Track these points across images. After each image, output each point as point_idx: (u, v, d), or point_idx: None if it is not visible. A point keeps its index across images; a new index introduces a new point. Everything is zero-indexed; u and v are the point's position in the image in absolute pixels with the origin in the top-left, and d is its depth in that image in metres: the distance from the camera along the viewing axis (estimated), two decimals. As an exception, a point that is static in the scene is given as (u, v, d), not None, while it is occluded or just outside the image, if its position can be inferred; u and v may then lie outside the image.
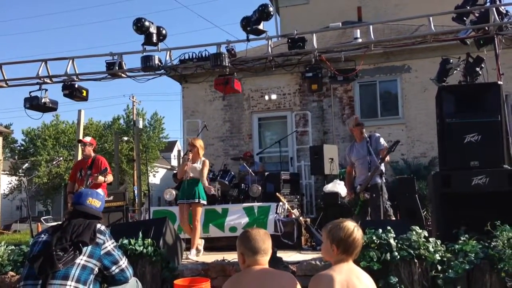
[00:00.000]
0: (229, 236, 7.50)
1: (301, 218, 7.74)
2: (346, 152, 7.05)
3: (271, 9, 7.00)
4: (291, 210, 7.85)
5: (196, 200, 6.75)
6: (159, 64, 7.61)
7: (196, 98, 12.90)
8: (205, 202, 6.91)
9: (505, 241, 4.40)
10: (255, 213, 7.99)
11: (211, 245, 7.63)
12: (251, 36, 7.28)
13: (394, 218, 6.72)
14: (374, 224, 5.05)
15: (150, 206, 8.65)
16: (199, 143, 6.95)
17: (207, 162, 6.99)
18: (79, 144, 7.83)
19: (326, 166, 9.09)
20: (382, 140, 6.72)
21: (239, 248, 2.81)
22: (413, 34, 9.75)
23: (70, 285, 3.01)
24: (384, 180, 6.60)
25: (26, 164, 37.04)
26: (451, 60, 6.79)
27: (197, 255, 6.60)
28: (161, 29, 7.56)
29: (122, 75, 8.10)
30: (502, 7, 6.48)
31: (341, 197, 8.40)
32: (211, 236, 7.90)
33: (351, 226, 2.74)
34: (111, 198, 9.00)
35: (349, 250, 2.69)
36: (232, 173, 9.69)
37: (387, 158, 6.57)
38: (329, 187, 8.57)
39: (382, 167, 6.60)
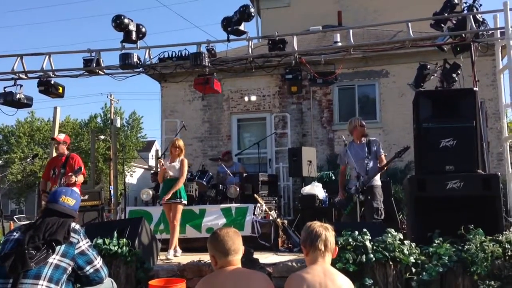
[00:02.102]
0: (206, 237, 7.31)
1: (278, 219, 7.75)
2: (342, 151, 6.90)
3: (252, 10, 7.00)
4: (269, 212, 7.86)
5: (178, 200, 6.76)
6: (138, 62, 7.53)
7: (175, 98, 12.83)
8: (185, 202, 6.90)
9: (478, 245, 4.48)
10: (233, 214, 7.97)
11: (188, 245, 7.57)
12: (231, 37, 7.26)
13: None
14: (351, 226, 5.08)
15: (126, 206, 8.56)
16: (182, 144, 7.00)
17: (185, 161, 6.98)
18: (53, 142, 7.66)
19: (304, 168, 9.12)
20: (381, 147, 6.68)
21: (210, 250, 2.82)
22: (391, 39, 9.86)
23: (42, 285, 2.94)
24: (374, 184, 6.54)
25: (-1, 162, 36.23)
26: (429, 66, 6.89)
27: (175, 255, 6.55)
28: (141, 26, 7.49)
29: (100, 72, 7.98)
30: (479, 15, 6.60)
31: (318, 199, 8.44)
32: (187, 236, 7.83)
33: (314, 222, 2.79)
34: (86, 197, 8.87)
35: (313, 244, 2.70)
36: (210, 173, 9.64)
37: (385, 165, 6.55)
38: (307, 189, 8.60)
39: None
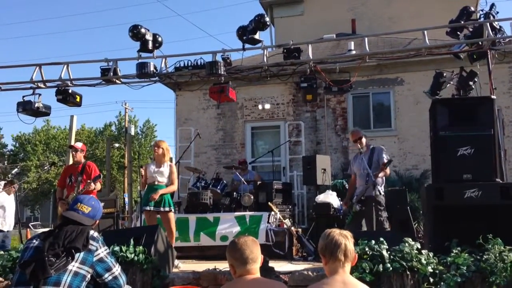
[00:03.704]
0: (221, 245, 7.46)
1: (292, 228, 7.73)
2: (351, 160, 7.16)
3: (267, 19, 7.04)
4: (283, 220, 7.85)
5: (167, 209, 6.55)
6: (154, 71, 7.60)
7: (190, 106, 12.89)
8: (173, 210, 6.69)
9: (497, 255, 4.42)
10: (247, 222, 7.98)
11: (202, 253, 7.61)
12: (246, 45, 7.30)
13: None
14: (367, 235, 5.05)
15: (141, 213, 8.58)
16: (165, 145, 6.80)
17: (174, 167, 6.78)
18: (70, 150, 7.74)
19: (318, 177, 9.10)
20: (384, 154, 6.74)
21: (229, 259, 2.81)
22: (406, 47, 9.83)
23: (62, 292, 2.97)
24: (380, 193, 6.58)
25: (16, 169, 36.67)
26: (445, 74, 6.85)
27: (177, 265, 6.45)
28: (157, 36, 7.56)
29: (117, 81, 8.06)
30: (496, 23, 6.55)
31: (333, 208, 8.41)
32: (202, 244, 7.87)
33: (333, 230, 2.74)
34: (102, 204, 8.89)
35: (333, 254, 2.64)
36: (224, 181, 9.68)
37: (383, 173, 6.58)
38: (321, 198, 8.57)
39: (380, 179, 6.64)
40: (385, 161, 6.62)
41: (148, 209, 6.57)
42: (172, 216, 6.71)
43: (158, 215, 6.71)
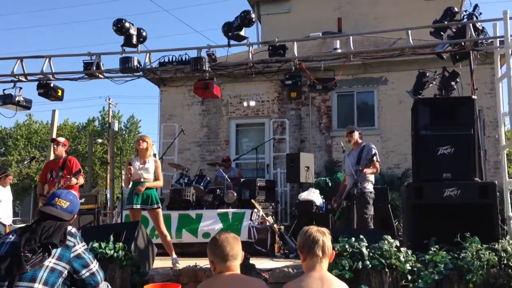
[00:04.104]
0: (202, 242, 7.43)
1: (275, 225, 7.75)
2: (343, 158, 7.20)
3: (253, 15, 7.00)
4: (266, 217, 7.85)
5: (155, 206, 6.38)
6: (138, 66, 7.51)
7: (174, 102, 12.83)
8: (160, 206, 6.54)
9: (474, 253, 4.49)
10: (230, 219, 7.97)
11: (184, 250, 7.55)
12: (232, 42, 7.27)
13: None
14: (348, 232, 5.08)
15: (122, 209, 8.52)
16: (149, 140, 6.62)
17: (158, 161, 6.66)
18: (52, 143, 7.63)
19: (302, 174, 9.13)
20: (372, 151, 6.71)
21: (209, 255, 2.81)
22: (391, 46, 9.89)
23: (37, 288, 2.92)
24: (364, 190, 6.57)
25: (-4, 164, 36.17)
26: (428, 74, 6.90)
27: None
28: (142, 30, 7.48)
29: (100, 75, 7.96)
30: (479, 24, 6.63)
31: (315, 205, 8.44)
32: (183, 241, 7.83)
33: (310, 227, 2.78)
34: (83, 200, 8.85)
35: (311, 250, 2.67)
36: (208, 178, 9.65)
37: (370, 170, 6.59)
38: (304, 195, 8.60)
39: (369, 177, 6.66)
40: (374, 160, 6.61)
41: (135, 207, 6.35)
42: (161, 212, 6.54)
43: (142, 212, 6.57)
